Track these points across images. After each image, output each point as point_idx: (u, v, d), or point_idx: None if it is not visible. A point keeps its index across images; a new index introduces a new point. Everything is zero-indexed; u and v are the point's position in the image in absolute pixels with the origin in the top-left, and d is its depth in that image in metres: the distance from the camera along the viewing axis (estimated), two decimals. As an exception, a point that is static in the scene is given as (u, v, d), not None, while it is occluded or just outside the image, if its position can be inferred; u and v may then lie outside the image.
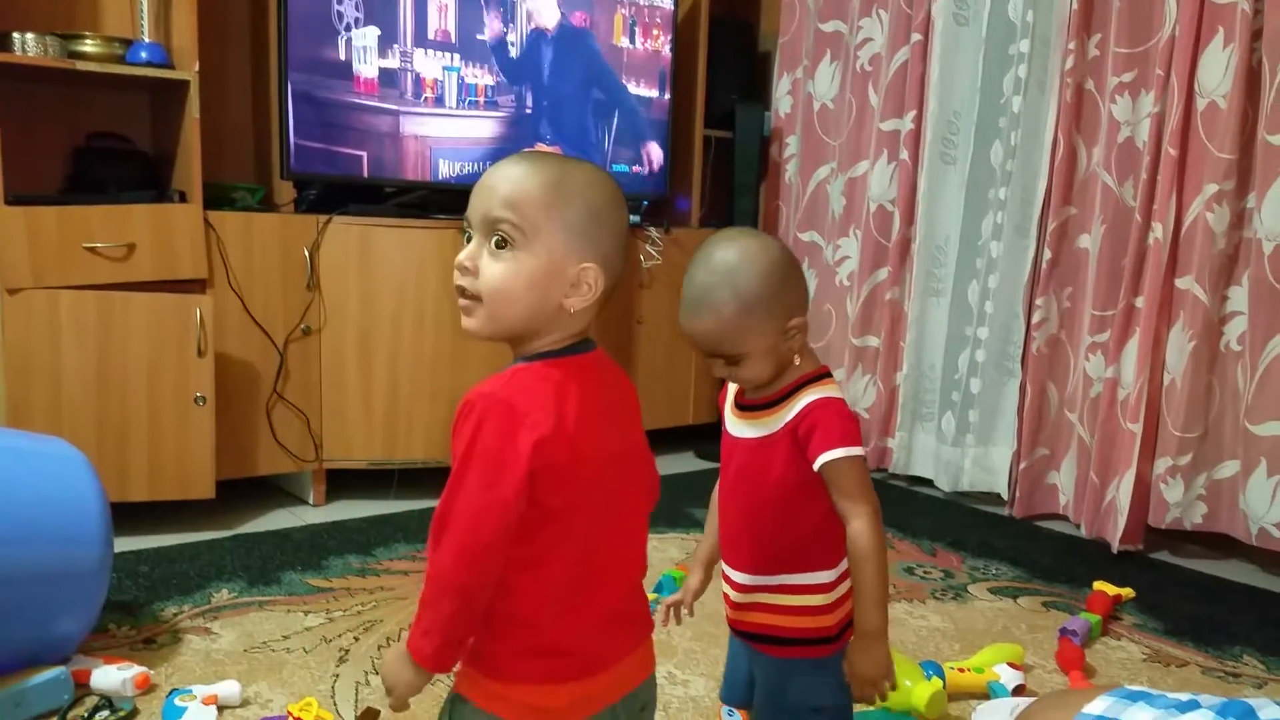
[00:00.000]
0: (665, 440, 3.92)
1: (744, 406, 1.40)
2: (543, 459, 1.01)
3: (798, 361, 1.35)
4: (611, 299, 1.12)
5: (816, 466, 1.29)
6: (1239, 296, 2.85)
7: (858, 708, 1.43)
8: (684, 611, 1.53)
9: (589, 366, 1.11)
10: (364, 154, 3.11)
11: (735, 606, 1.42)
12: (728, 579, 1.43)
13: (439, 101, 3.24)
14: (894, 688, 1.35)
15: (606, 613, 1.10)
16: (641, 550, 1.18)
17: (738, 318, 1.28)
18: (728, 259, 1.30)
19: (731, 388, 1.45)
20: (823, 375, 1.36)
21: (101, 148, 2.93)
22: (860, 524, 1.28)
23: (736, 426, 1.40)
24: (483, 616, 1.05)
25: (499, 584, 1.05)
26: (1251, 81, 2.76)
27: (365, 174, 3.13)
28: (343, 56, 3.03)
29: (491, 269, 1.05)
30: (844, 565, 1.36)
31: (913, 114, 3.56)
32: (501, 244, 1.04)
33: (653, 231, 3.72)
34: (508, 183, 1.05)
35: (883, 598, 1.29)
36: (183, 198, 2.80)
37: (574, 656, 1.07)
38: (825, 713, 1.39)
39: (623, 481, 1.12)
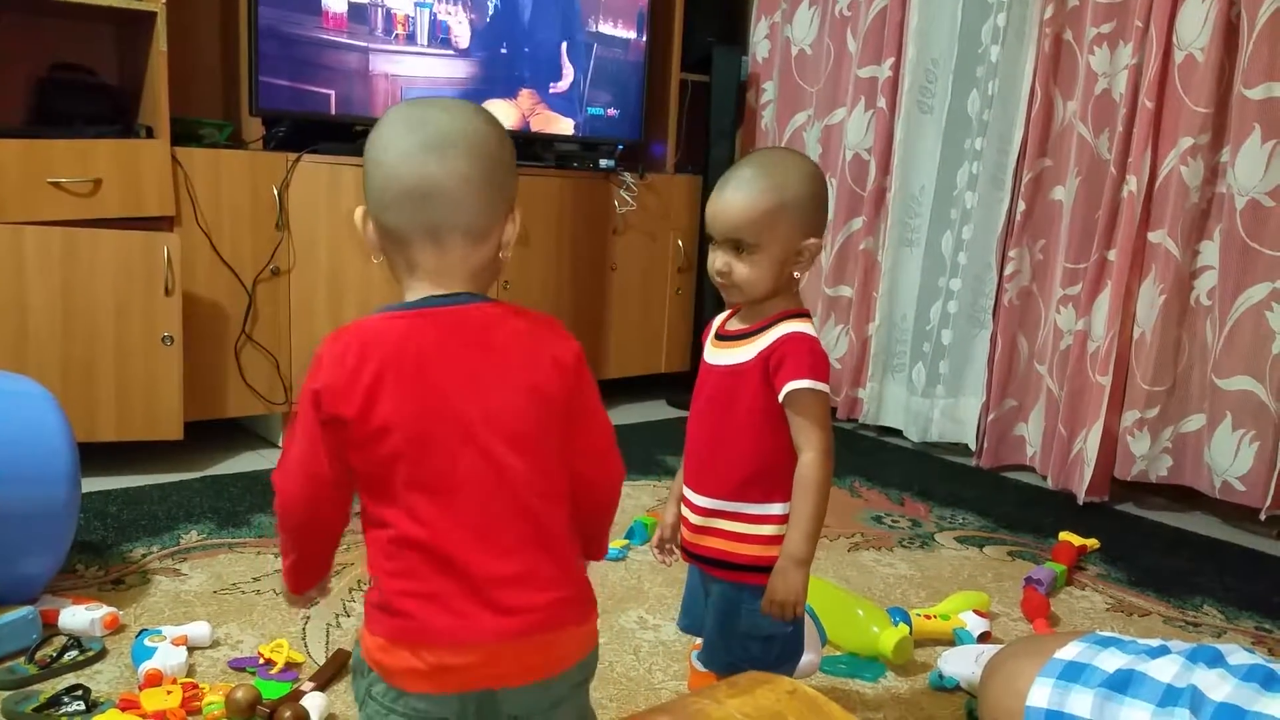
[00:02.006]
0: (638, 388, 3.92)
1: (723, 336, 1.42)
2: (325, 411, 1.00)
3: (798, 275, 1.38)
4: (457, 234, 1.04)
5: (781, 396, 1.33)
6: (1210, 251, 2.87)
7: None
8: (670, 547, 1.55)
9: (449, 320, 1.04)
10: (332, 92, 3.06)
11: (694, 530, 1.45)
12: (688, 503, 1.45)
13: (410, 39, 3.18)
14: (799, 614, 1.38)
15: (463, 589, 1.00)
16: (521, 538, 1.04)
17: (771, 207, 1.33)
18: (779, 159, 1.38)
19: (715, 323, 1.47)
20: (803, 314, 1.39)
21: (65, 80, 2.86)
22: (811, 455, 1.33)
23: (713, 354, 1.43)
24: (318, 550, 1.15)
25: (364, 529, 1.07)
26: (1230, 35, 2.76)
27: (333, 112, 3.07)
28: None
29: None
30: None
31: (891, 61, 3.54)
32: None
33: (627, 177, 3.69)
34: None
35: (815, 530, 1.35)
36: (149, 133, 2.74)
37: (406, 619, 1.00)
38: (774, 641, 1.42)
39: (471, 459, 1.02)
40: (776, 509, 1.39)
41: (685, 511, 1.46)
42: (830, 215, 3.72)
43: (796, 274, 1.38)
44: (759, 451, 1.37)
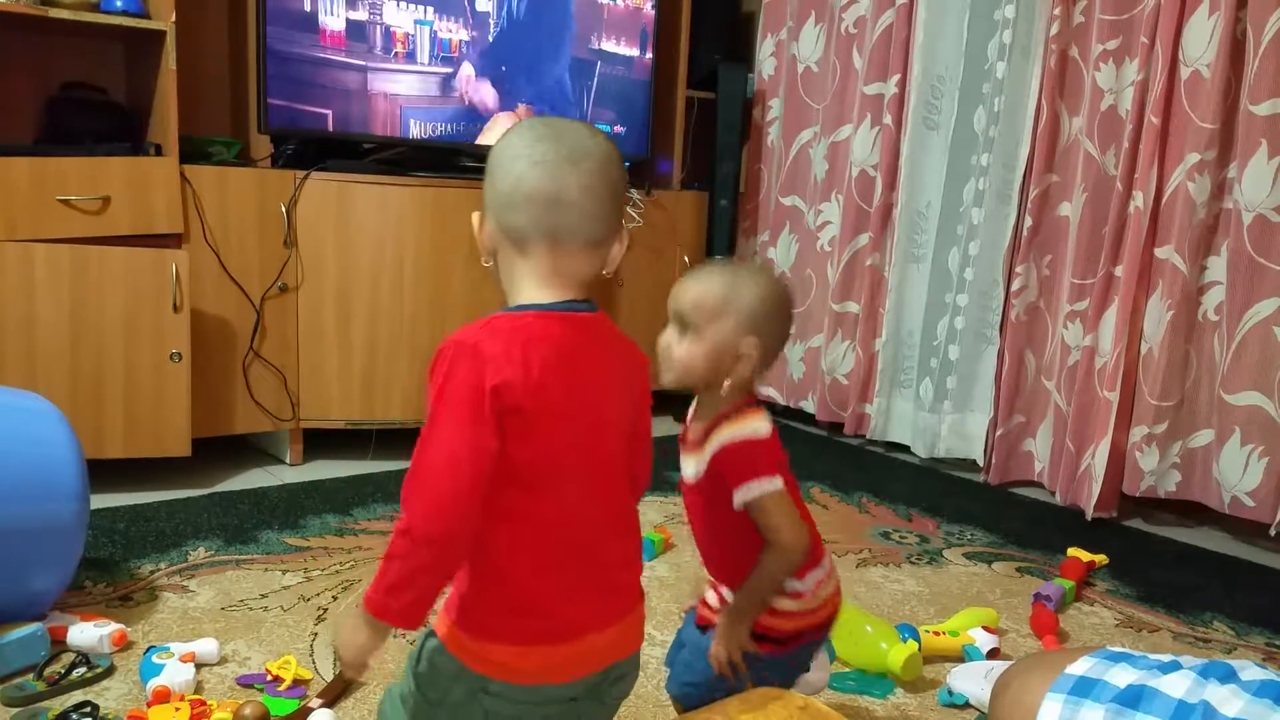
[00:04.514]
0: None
1: (686, 442, 1.47)
2: (504, 403, 1.01)
3: (723, 391, 1.40)
4: (577, 239, 1.12)
5: (737, 507, 1.36)
6: (1217, 266, 2.87)
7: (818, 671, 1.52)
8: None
9: (580, 325, 1.11)
10: (333, 111, 3.06)
11: (705, 605, 1.50)
12: (714, 588, 1.50)
13: (410, 57, 3.19)
14: (738, 669, 1.40)
15: (587, 578, 1.09)
16: (632, 523, 1.17)
17: (719, 297, 1.38)
18: (746, 267, 1.46)
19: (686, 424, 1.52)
20: (750, 407, 1.41)
21: (75, 98, 2.88)
22: (772, 555, 1.37)
23: (684, 466, 1.47)
24: (454, 572, 1.06)
25: (477, 537, 1.04)
26: (1235, 51, 2.76)
27: (342, 129, 3.08)
28: (315, 8, 2.97)
29: None
30: (817, 575, 1.44)
31: (896, 78, 3.55)
32: None
33: (634, 193, 3.70)
34: None
35: (759, 602, 1.40)
36: (158, 151, 2.75)
37: (547, 619, 1.06)
38: (720, 686, 1.41)
39: (610, 449, 1.12)
40: (794, 585, 1.43)
41: (710, 596, 1.51)
42: (836, 231, 3.75)
43: (735, 375, 1.39)
44: (754, 546, 1.40)
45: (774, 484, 1.35)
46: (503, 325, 1.06)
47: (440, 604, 1.10)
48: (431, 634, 1.11)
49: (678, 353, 1.41)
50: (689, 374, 1.42)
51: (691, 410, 1.48)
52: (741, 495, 1.35)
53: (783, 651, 1.43)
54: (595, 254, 1.11)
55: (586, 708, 1.12)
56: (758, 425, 1.39)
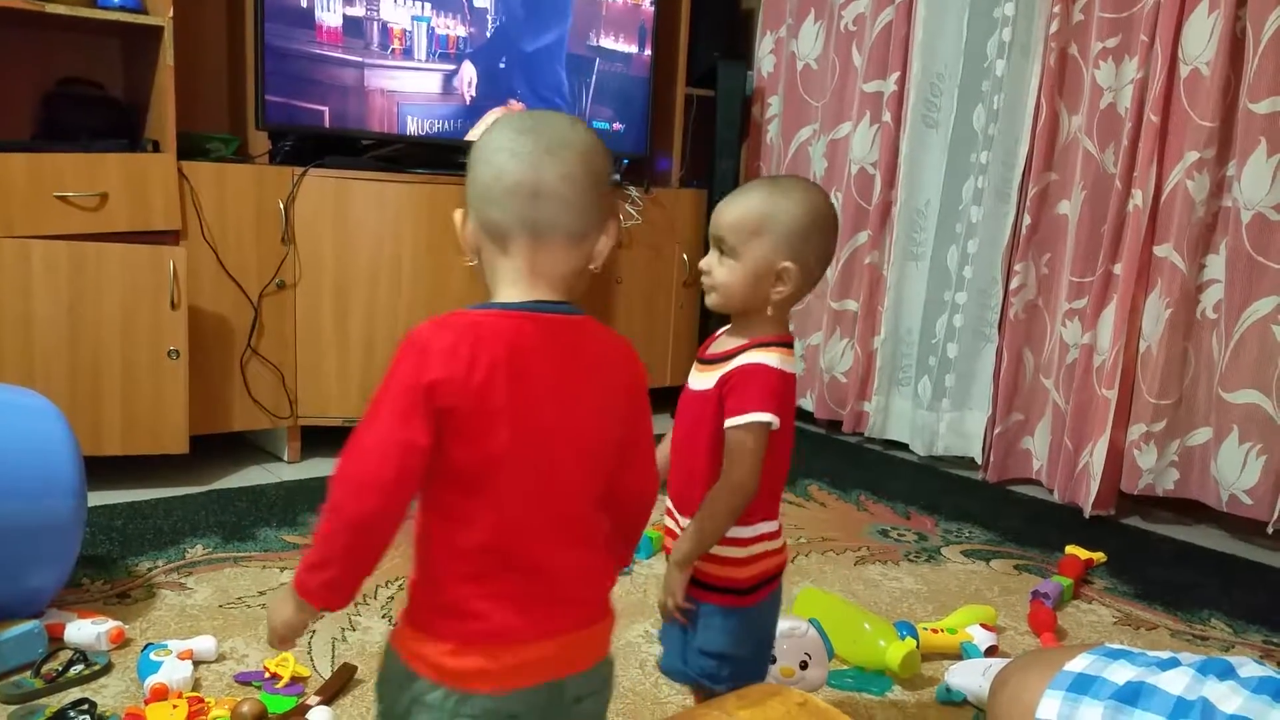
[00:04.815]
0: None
1: (703, 360, 1.43)
2: (438, 401, 0.98)
3: (777, 296, 1.37)
4: (559, 236, 1.07)
5: (725, 429, 1.34)
6: (1216, 265, 2.87)
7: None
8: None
9: (552, 328, 1.06)
10: (333, 107, 3.06)
11: (672, 545, 1.47)
12: (670, 516, 1.47)
13: (407, 53, 3.18)
14: (676, 613, 1.39)
15: (526, 587, 1.05)
16: (587, 534, 1.12)
17: (757, 218, 1.35)
18: (787, 183, 1.40)
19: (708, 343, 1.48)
20: (776, 343, 1.38)
21: (72, 94, 2.88)
22: (720, 488, 1.34)
23: (692, 378, 1.45)
24: (376, 561, 1.02)
25: (422, 533, 1.04)
26: (1235, 49, 2.76)
27: (340, 125, 3.08)
28: (313, 4, 2.97)
29: None
30: (763, 527, 1.42)
31: (896, 75, 3.54)
32: None
33: (632, 191, 3.70)
34: None
35: (700, 543, 1.36)
36: (156, 147, 2.75)
37: (479, 620, 1.03)
38: (726, 660, 1.42)
39: (557, 458, 1.06)
40: (741, 532, 1.40)
41: (668, 523, 1.47)
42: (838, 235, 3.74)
43: (776, 295, 1.37)
44: (716, 475, 1.37)
45: (764, 418, 1.32)
46: (458, 321, 1.03)
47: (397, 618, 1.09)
48: (388, 647, 1.09)
49: (718, 276, 1.39)
50: (729, 298, 1.39)
51: (723, 331, 1.46)
52: (730, 422, 1.33)
53: (748, 602, 1.41)
54: (578, 248, 1.08)
55: None
56: (784, 360, 1.36)
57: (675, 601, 1.38)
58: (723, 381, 1.36)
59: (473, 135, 1.10)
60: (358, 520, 0.99)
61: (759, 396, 1.32)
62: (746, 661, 1.45)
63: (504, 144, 1.05)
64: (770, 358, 1.35)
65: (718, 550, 1.39)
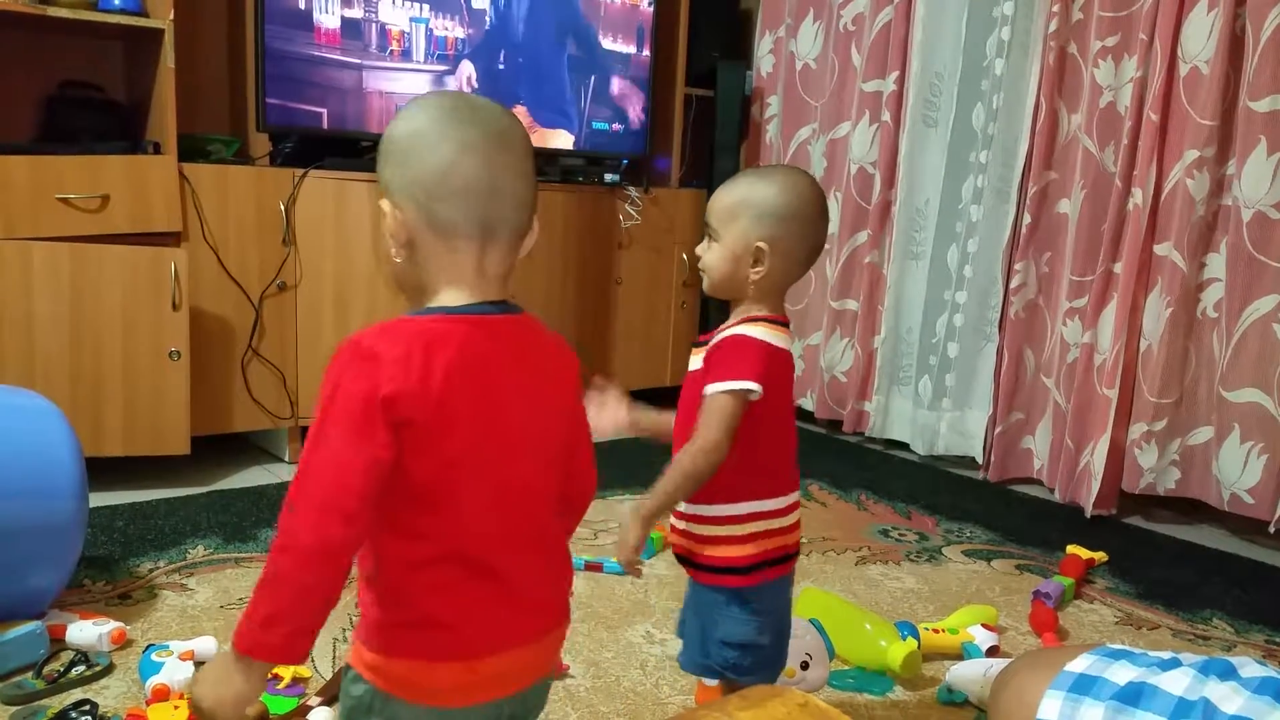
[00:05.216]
0: (642, 401, 3.91)
1: (696, 344, 1.46)
2: (398, 415, 0.93)
3: (754, 276, 1.40)
4: (507, 233, 1.03)
5: (704, 396, 1.36)
6: (1217, 263, 2.87)
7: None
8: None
9: (497, 330, 1.02)
10: (334, 109, 3.06)
11: (671, 529, 1.48)
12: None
13: (405, 55, 3.18)
14: (633, 567, 1.38)
15: (493, 596, 1.01)
16: (549, 539, 1.09)
17: (735, 201, 1.40)
18: (773, 170, 1.45)
19: None
20: (764, 320, 1.40)
21: (74, 97, 2.88)
22: (688, 448, 1.34)
23: (690, 364, 1.47)
24: (336, 594, 0.94)
25: (375, 553, 0.98)
26: (1234, 47, 2.76)
27: (340, 127, 3.08)
28: (312, 7, 2.97)
29: None
30: (757, 505, 1.42)
31: (895, 75, 3.54)
32: None
33: (632, 191, 3.70)
34: None
35: (667, 496, 1.35)
36: (157, 149, 2.75)
37: (452, 631, 0.98)
38: (748, 650, 1.42)
39: (523, 463, 1.03)
40: (731, 509, 1.41)
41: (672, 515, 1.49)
42: (835, 229, 3.75)
43: (755, 275, 1.40)
44: None
45: (739, 385, 1.33)
46: (405, 329, 0.97)
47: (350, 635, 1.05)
48: (347, 667, 1.03)
49: (705, 259, 1.44)
50: (713, 280, 1.44)
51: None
52: (708, 391, 1.35)
53: (750, 581, 1.41)
54: (518, 245, 1.04)
55: None
56: (770, 334, 1.38)
57: (627, 555, 1.36)
58: (707, 356, 1.39)
59: (399, 120, 1.00)
60: (321, 550, 0.91)
61: (736, 365, 1.35)
62: (767, 650, 1.45)
63: (448, 131, 0.99)
64: (754, 330, 1.38)
65: (711, 530, 1.41)
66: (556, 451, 1.08)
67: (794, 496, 1.47)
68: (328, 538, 0.91)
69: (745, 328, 1.39)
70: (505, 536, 1.01)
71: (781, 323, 1.42)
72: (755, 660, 1.43)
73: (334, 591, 0.94)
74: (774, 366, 1.36)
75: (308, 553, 0.91)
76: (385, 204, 1.01)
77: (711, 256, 1.43)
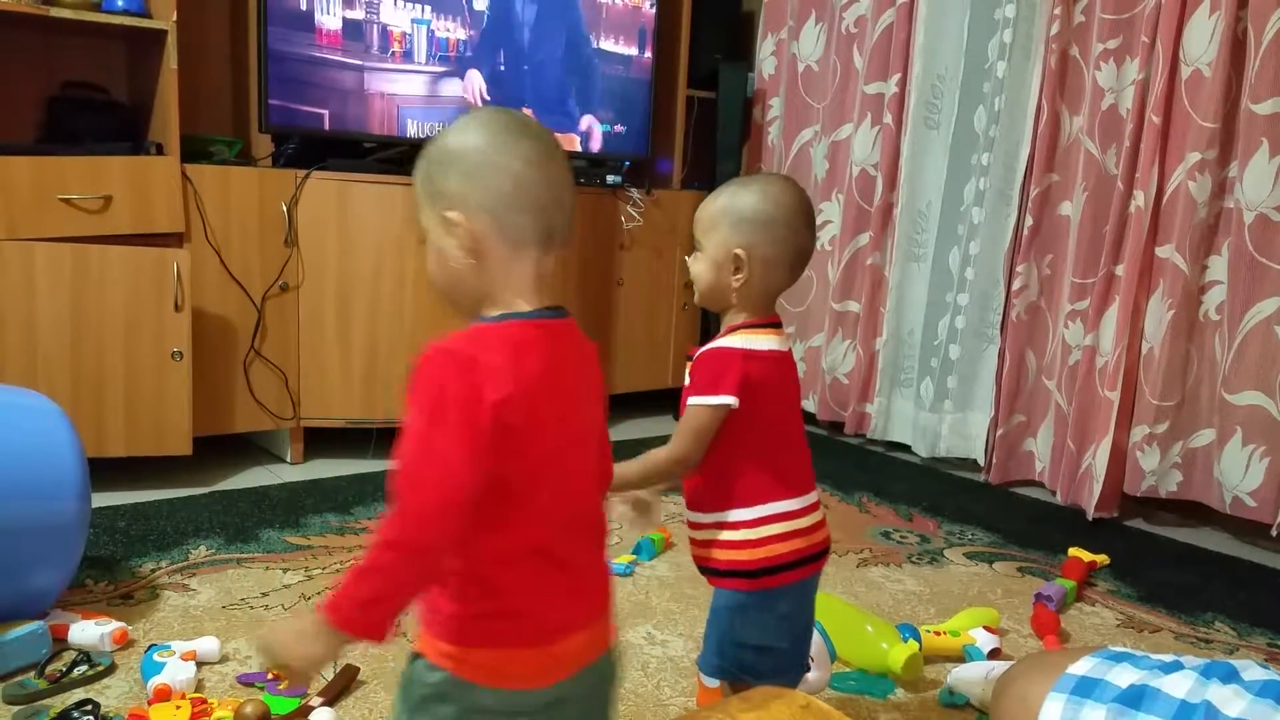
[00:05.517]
0: (644, 403, 3.92)
1: (688, 356, 1.49)
2: (505, 419, 0.98)
3: (735, 299, 1.42)
4: (560, 241, 1.09)
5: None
6: (1218, 266, 2.87)
7: None
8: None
9: (558, 333, 1.09)
10: (339, 110, 3.06)
11: (691, 541, 1.50)
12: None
13: (407, 56, 3.18)
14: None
15: (563, 582, 1.07)
16: (602, 524, 1.16)
17: (715, 212, 1.42)
18: (755, 178, 1.47)
19: None
20: (747, 326, 1.43)
21: (77, 97, 2.88)
22: (663, 452, 1.41)
23: (686, 376, 1.49)
24: (432, 586, 1.02)
25: (458, 545, 1.03)
26: (1236, 50, 2.76)
27: (334, 129, 3.08)
28: (314, 8, 2.97)
29: (427, 263, 1.11)
30: (763, 510, 1.43)
31: (897, 77, 3.55)
32: (422, 240, 1.11)
33: (634, 193, 3.70)
34: None
35: (640, 474, 1.41)
36: (159, 150, 2.75)
37: (535, 621, 1.05)
38: (768, 653, 1.43)
39: (583, 455, 1.11)
40: (736, 515, 1.42)
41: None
42: (837, 231, 3.75)
43: (736, 282, 1.41)
44: (706, 464, 1.42)
45: (709, 400, 1.37)
46: (492, 336, 1.03)
47: (413, 622, 1.08)
48: (417, 655, 1.08)
49: (693, 271, 1.46)
50: (700, 290, 1.45)
51: None
52: (689, 400, 1.39)
53: (760, 585, 1.42)
54: (562, 251, 1.11)
55: (568, 712, 1.10)
56: (751, 339, 1.41)
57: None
58: (689, 371, 1.42)
59: (457, 134, 1.05)
60: (425, 549, 0.98)
61: (709, 379, 1.38)
62: (786, 653, 1.46)
63: (515, 149, 1.05)
64: (732, 340, 1.41)
65: (726, 535, 1.43)
66: (600, 438, 1.16)
67: (810, 497, 1.49)
68: (433, 538, 0.98)
69: (723, 339, 1.42)
70: (571, 524, 1.08)
71: (767, 324, 1.44)
72: (774, 663, 1.43)
73: (431, 584, 1.02)
74: (754, 370, 1.39)
75: (412, 551, 0.97)
76: (455, 215, 1.04)
77: (697, 267, 1.44)
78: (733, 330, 1.42)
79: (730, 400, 1.36)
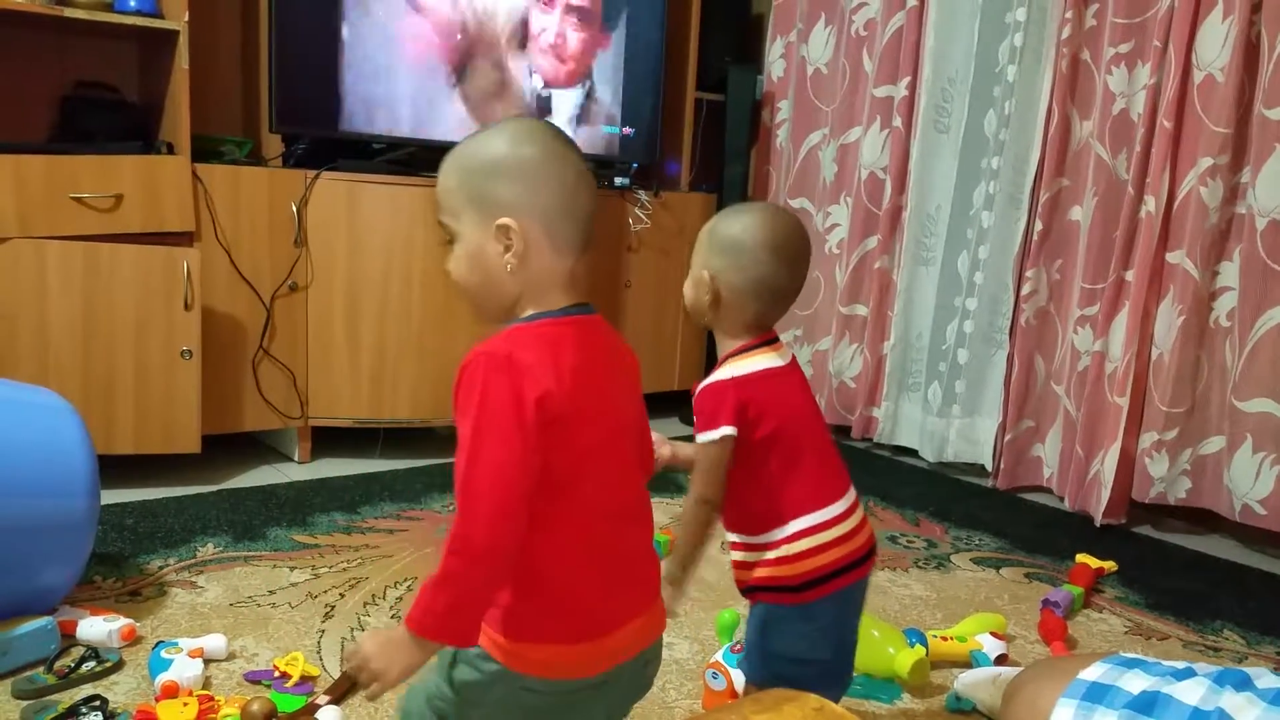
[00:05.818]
0: (651, 405, 3.90)
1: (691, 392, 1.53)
2: (547, 414, 1.02)
3: (707, 319, 1.46)
4: (590, 245, 1.14)
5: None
6: (1230, 272, 2.86)
7: None
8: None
9: (589, 328, 1.13)
10: (339, 111, 3.06)
11: (732, 564, 1.49)
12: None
13: (417, 58, 3.16)
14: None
15: (616, 573, 1.11)
16: (648, 513, 1.19)
17: (704, 232, 1.46)
18: (742, 208, 1.49)
19: None
20: (740, 352, 1.45)
21: (89, 97, 2.89)
22: (689, 500, 1.43)
23: None
24: (503, 585, 1.06)
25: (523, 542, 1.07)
26: (1250, 54, 2.75)
27: (344, 129, 3.09)
28: (326, 8, 2.98)
29: (451, 265, 1.12)
30: (799, 524, 1.41)
31: (907, 80, 3.54)
32: (448, 242, 1.11)
33: (642, 195, 3.70)
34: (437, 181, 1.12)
35: (679, 557, 1.44)
36: (170, 150, 2.76)
37: (588, 615, 1.08)
38: (808, 664, 1.42)
39: (625, 445, 1.15)
40: (773, 535, 1.42)
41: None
42: (845, 234, 3.75)
43: (707, 304, 1.44)
44: (734, 488, 1.43)
45: (714, 435, 1.39)
46: (527, 335, 1.07)
47: None
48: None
49: (684, 290, 1.49)
50: (688, 306, 1.49)
51: None
52: (697, 438, 1.41)
53: (804, 598, 1.40)
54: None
55: (612, 691, 1.14)
56: (738, 365, 1.43)
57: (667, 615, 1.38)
58: (693, 409, 1.46)
59: (507, 143, 1.08)
60: (492, 551, 1.01)
61: (706, 417, 1.40)
62: (828, 664, 1.45)
63: (567, 159, 1.10)
64: (720, 373, 1.43)
65: (751, 556, 1.44)
66: (640, 429, 1.21)
67: (844, 502, 1.45)
68: (497, 539, 1.01)
69: (715, 373, 1.44)
70: (617, 514, 1.12)
71: (759, 344, 1.45)
72: (818, 673, 1.42)
73: (503, 582, 1.05)
74: (748, 395, 1.40)
75: (480, 554, 1.01)
76: (509, 221, 1.07)
77: (685, 282, 1.48)
78: (725, 360, 1.45)
79: (729, 430, 1.38)
